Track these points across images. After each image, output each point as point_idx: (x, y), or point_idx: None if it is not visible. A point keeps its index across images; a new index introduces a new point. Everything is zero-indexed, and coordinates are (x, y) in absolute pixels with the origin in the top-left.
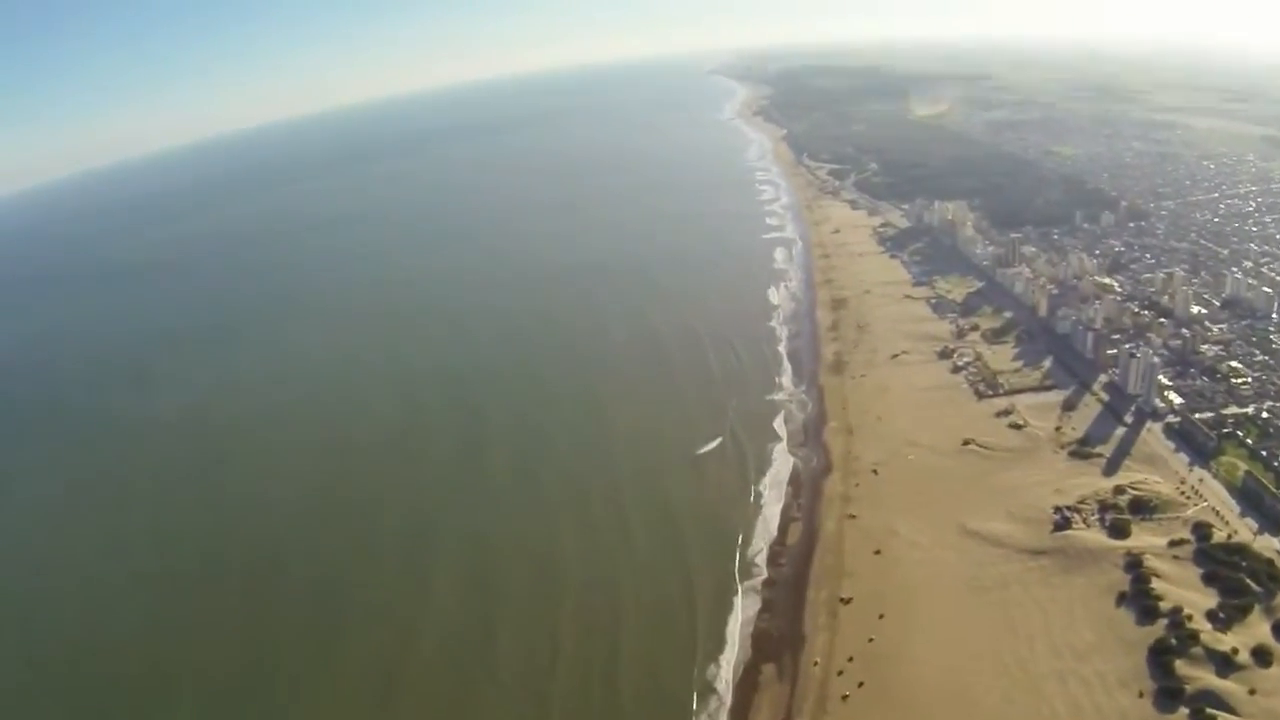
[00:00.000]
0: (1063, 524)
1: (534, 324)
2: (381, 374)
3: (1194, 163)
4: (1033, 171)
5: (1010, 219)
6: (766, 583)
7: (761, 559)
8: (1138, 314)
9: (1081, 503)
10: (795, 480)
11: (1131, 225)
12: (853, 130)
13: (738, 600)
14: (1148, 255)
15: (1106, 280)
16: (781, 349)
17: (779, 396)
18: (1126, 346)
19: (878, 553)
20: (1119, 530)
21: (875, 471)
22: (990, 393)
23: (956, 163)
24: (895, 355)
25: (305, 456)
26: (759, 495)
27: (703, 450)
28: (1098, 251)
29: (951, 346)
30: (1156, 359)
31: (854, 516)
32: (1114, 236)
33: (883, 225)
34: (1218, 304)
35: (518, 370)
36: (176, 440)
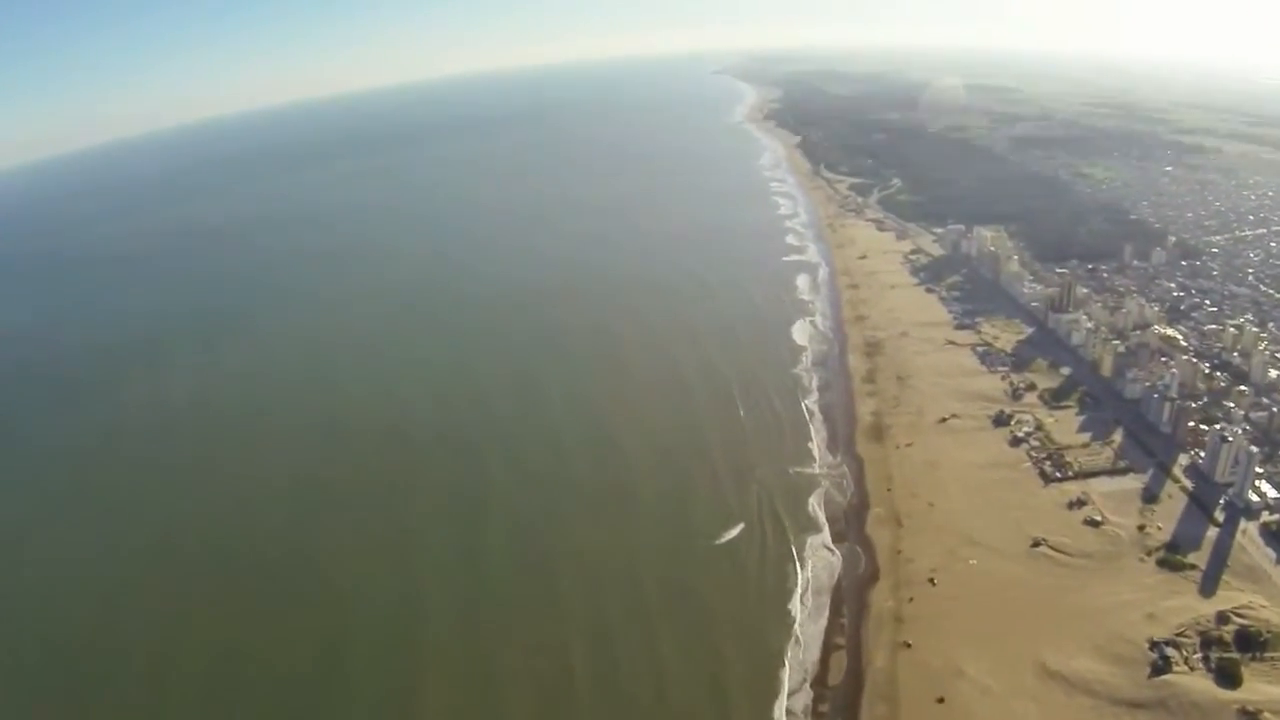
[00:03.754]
0: (1162, 665)
1: (542, 353)
2: (368, 411)
3: (1234, 192)
4: (1069, 196)
5: (1053, 251)
6: None
7: (802, 706)
8: (1211, 377)
9: (1181, 634)
10: (837, 588)
11: (1184, 264)
12: (872, 140)
13: None
14: (1207, 301)
15: (1170, 332)
16: (812, 404)
17: (812, 470)
18: (1217, 427)
19: (941, 701)
20: (1228, 675)
21: (932, 581)
22: (1058, 475)
23: (986, 182)
24: (943, 419)
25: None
26: (796, 608)
27: (726, 538)
28: (1153, 295)
29: (1008, 411)
30: (1254, 447)
31: (909, 645)
32: (1166, 276)
33: (914, 252)
34: None
35: (525, 413)
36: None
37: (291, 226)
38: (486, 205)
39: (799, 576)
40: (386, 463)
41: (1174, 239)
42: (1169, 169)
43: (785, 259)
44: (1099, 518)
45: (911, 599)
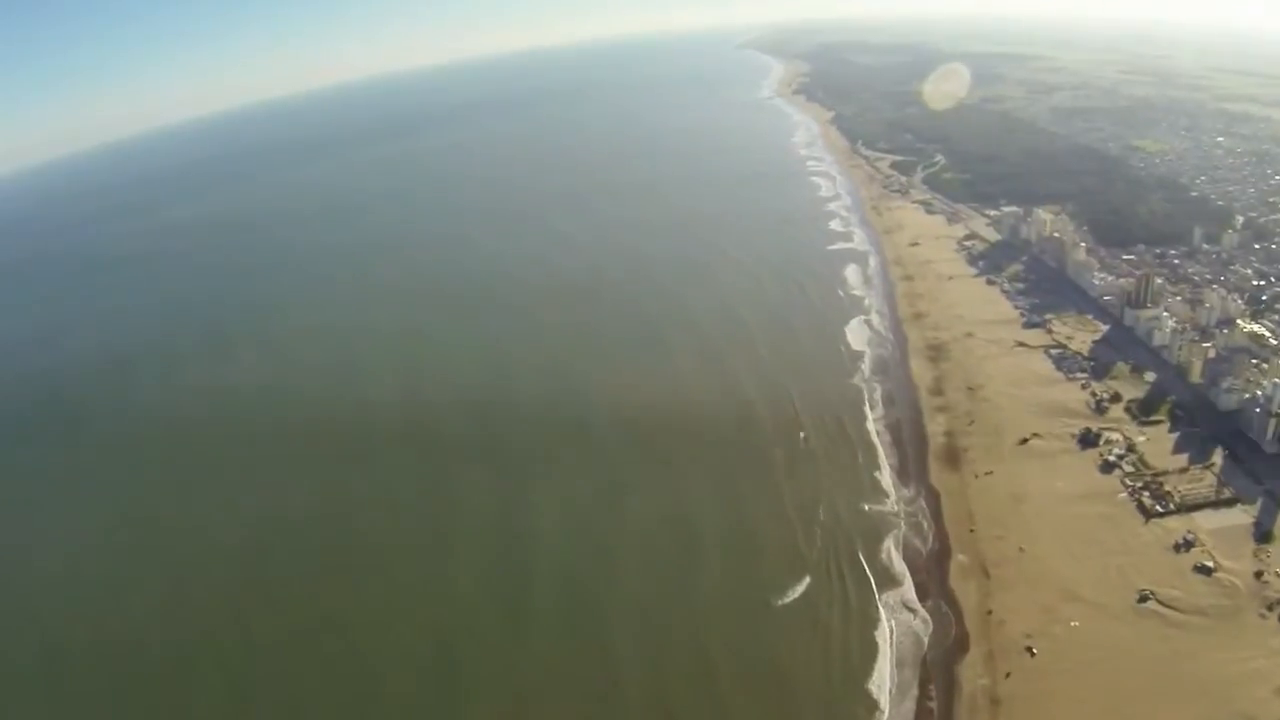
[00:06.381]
0: None
1: (582, 357)
2: (394, 427)
3: None
4: (1124, 172)
5: (1116, 234)
6: None
7: None
8: None
9: None
10: (921, 660)
11: (1257, 247)
12: (908, 114)
13: None
14: None
15: (1257, 329)
16: (876, 424)
17: (885, 506)
18: None
19: None
20: None
21: (1030, 650)
22: (1160, 509)
23: (1033, 157)
24: (1024, 440)
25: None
26: (879, 688)
27: (799, 592)
28: (1231, 284)
29: (1095, 429)
30: None
31: None
32: (1241, 262)
33: (968, 237)
34: None
35: (566, 426)
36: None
37: (307, 218)
38: (512, 187)
39: (880, 645)
40: (416, 490)
41: (1241, 218)
42: (1220, 139)
43: (831, 247)
44: (1210, 563)
45: (1009, 674)
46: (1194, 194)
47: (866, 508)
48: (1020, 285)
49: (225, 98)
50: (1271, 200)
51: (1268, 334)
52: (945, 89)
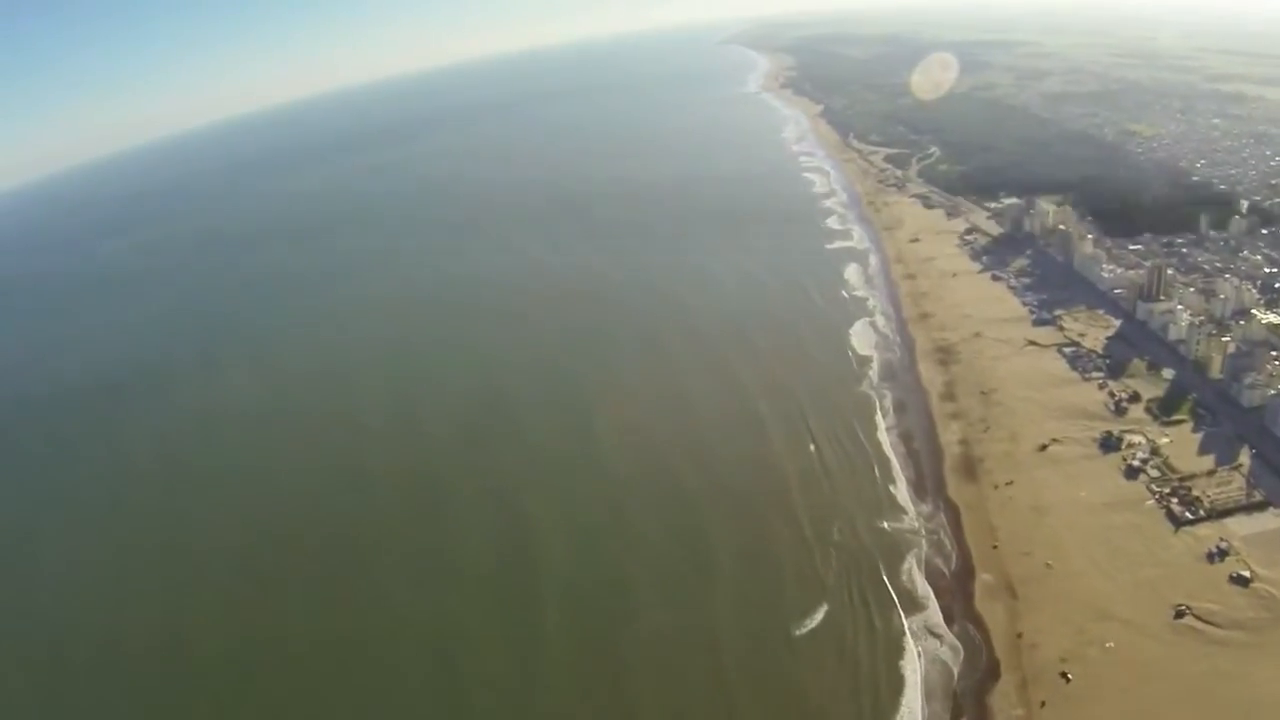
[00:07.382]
0: None
1: (583, 370)
2: (393, 455)
3: None
4: (1122, 158)
5: (1120, 224)
6: None
7: None
8: None
9: None
10: (952, 691)
11: (1265, 232)
12: (899, 105)
13: None
14: None
15: (1275, 318)
16: (887, 434)
17: (904, 523)
18: None
19: None
20: None
21: (1065, 675)
22: (1189, 516)
23: (1029, 146)
24: (1043, 446)
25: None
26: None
27: (820, 619)
28: (1242, 272)
29: (1116, 432)
30: None
31: None
32: (1249, 248)
33: (970, 231)
34: None
35: (569, 447)
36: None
37: (303, 234)
38: (504, 191)
39: (907, 676)
40: (417, 518)
41: (1246, 203)
42: (1216, 121)
43: (830, 246)
44: (1246, 572)
45: (1044, 703)
46: (1195, 178)
47: (885, 525)
48: (1027, 280)
49: (224, 106)
50: (1274, 182)
51: None
52: (934, 78)
